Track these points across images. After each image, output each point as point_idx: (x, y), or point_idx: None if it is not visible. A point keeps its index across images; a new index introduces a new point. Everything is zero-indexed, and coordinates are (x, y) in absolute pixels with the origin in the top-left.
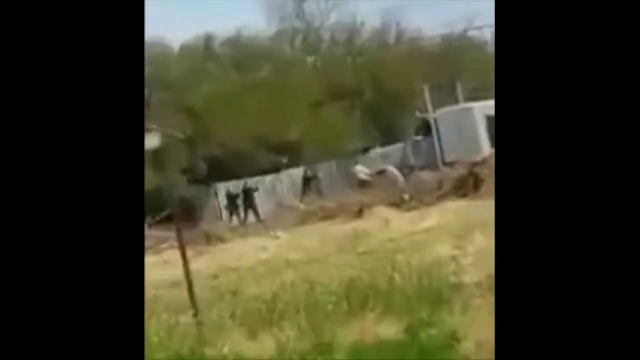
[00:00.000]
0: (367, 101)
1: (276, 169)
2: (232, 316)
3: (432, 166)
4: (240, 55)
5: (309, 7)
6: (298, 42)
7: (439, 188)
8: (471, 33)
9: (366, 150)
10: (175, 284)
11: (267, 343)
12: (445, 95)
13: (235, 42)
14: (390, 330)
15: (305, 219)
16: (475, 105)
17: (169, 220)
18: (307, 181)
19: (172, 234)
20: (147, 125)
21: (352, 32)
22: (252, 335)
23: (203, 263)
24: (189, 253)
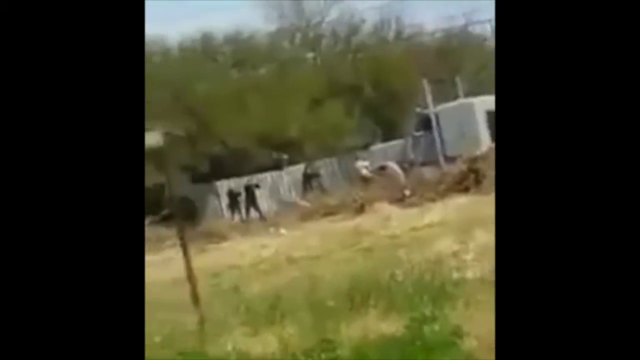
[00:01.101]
0: (367, 97)
1: (277, 166)
2: (234, 314)
3: (432, 161)
4: (240, 53)
5: (308, 4)
6: (297, 39)
7: (440, 183)
8: (471, 28)
9: (366, 146)
10: (176, 283)
11: (269, 340)
12: (445, 91)
13: (234, 40)
14: (392, 326)
15: (306, 215)
16: (475, 100)
17: (170, 218)
18: (308, 178)
19: (174, 232)
20: (148, 123)
21: (352, 28)
22: (255, 332)
23: (204, 261)
24: (191, 251)
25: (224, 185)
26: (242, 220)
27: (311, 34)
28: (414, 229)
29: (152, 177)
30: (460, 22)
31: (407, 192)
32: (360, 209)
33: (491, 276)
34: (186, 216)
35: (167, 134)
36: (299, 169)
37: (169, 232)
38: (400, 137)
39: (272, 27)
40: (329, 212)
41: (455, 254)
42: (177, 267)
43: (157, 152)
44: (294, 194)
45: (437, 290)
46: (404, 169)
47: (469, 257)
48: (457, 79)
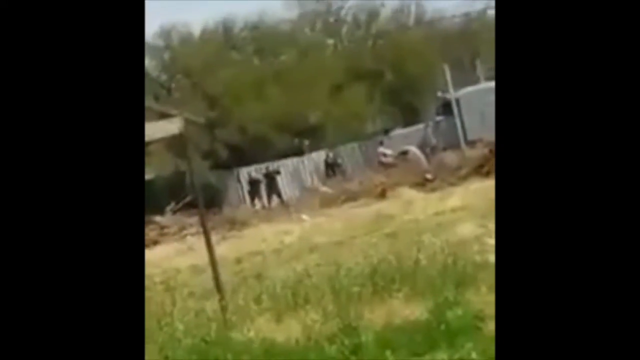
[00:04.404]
0: (388, 82)
1: (298, 153)
2: (257, 300)
3: (454, 146)
4: (261, 39)
5: None
6: (318, 26)
7: (461, 168)
8: (490, 11)
9: (387, 131)
10: (199, 270)
11: (292, 326)
12: (466, 75)
13: (255, 27)
14: (416, 311)
15: (328, 201)
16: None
17: (191, 205)
18: (329, 164)
19: (196, 219)
20: (168, 110)
21: (372, 13)
22: (278, 318)
23: (227, 248)
24: (213, 238)
25: (245, 172)
26: (263, 207)
27: (331, 20)
28: (436, 213)
29: (173, 164)
30: (480, 5)
31: (429, 177)
32: (382, 194)
33: None
34: (208, 203)
35: (187, 121)
36: (320, 155)
37: (191, 220)
38: (422, 122)
39: (293, 13)
40: (351, 198)
41: (477, 238)
42: (199, 254)
43: (178, 139)
44: (315, 180)
45: (460, 274)
46: (425, 154)
47: (491, 240)
48: (478, 63)
